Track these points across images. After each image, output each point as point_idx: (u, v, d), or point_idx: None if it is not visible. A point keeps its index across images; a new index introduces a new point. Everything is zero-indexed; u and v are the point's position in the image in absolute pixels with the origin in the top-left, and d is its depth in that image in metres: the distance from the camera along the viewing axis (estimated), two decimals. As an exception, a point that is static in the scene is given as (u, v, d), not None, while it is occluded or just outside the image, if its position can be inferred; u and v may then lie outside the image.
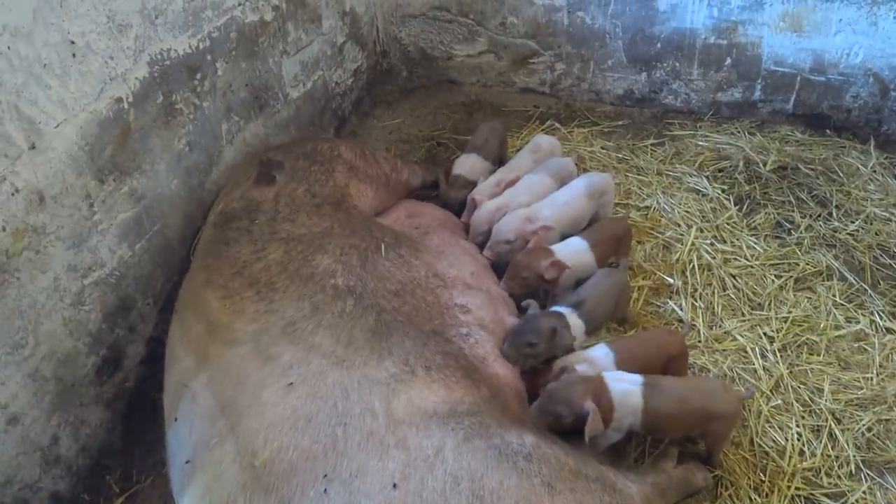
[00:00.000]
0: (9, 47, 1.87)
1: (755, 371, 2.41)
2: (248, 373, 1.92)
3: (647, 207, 3.10)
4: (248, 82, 2.90)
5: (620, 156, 3.40)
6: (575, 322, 2.33)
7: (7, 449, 2.07)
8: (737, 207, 3.05)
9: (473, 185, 3.05)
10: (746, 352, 2.46)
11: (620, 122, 3.67)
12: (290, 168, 2.67)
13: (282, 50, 3.10)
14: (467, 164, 3.14)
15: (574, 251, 2.55)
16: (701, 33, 3.40)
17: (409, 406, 1.80)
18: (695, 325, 2.55)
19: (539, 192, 2.86)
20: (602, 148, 3.45)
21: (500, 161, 3.23)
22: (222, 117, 2.78)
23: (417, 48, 4.03)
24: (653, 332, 2.46)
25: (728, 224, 2.96)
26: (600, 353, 2.21)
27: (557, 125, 3.64)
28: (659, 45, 3.51)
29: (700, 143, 3.43)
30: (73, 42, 2.06)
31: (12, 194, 1.96)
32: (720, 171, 3.27)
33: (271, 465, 1.69)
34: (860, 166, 3.24)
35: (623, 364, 2.16)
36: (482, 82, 4.02)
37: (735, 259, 2.80)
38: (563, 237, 2.69)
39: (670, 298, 2.69)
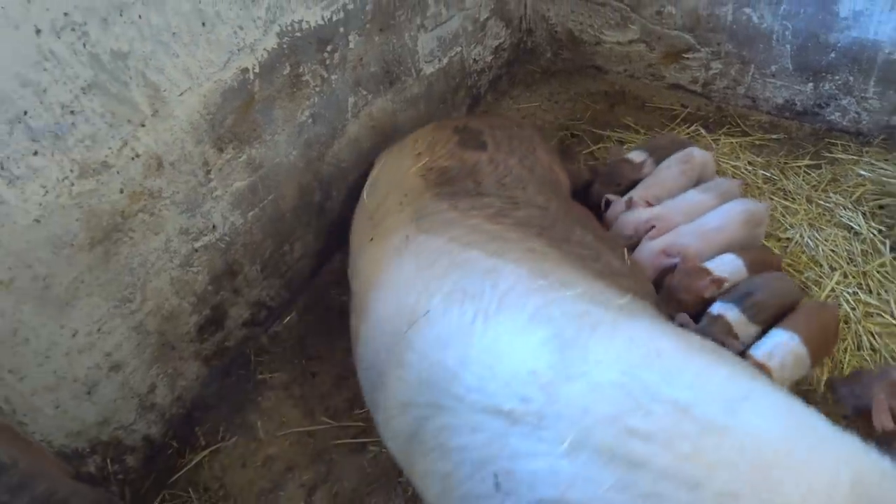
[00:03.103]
0: (140, 16, 1.90)
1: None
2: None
3: (788, 239, 2.79)
4: (380, 56, 2.84)
5: (768, 174, 3.08)
6: (736, 318, 2.18)
7: (108, 392, 2.21)
8: (893, 255, 2.68)
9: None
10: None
11: (775, 136, 3.32)
12: (491, 138, 2.57)
13: (419, 24, 3.01)
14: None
15: (729, 264, 2.37)
16: (885, 47, 2.99)
17: None
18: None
19: (697, 214, 2.63)
20: (749, 163, 3.14)
21: None
22: (349, 91, 2.74)
23: (565, 29, 3.82)
24: None
25: (879, 272, 2.61)
26: None
27: (703, 131, 3.35)
28: (833, 54, 3.12)
29: (863, 171, 3.04)
30: (202, 11, 2.07)
31: (132, 159, 2.02)
32: (881, 207, 2.88)
33: None
34: None
35: None
36: (629, 72, 3.78)
37: (879, 315, 2.47)
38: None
39: (794, 348, 2.43)
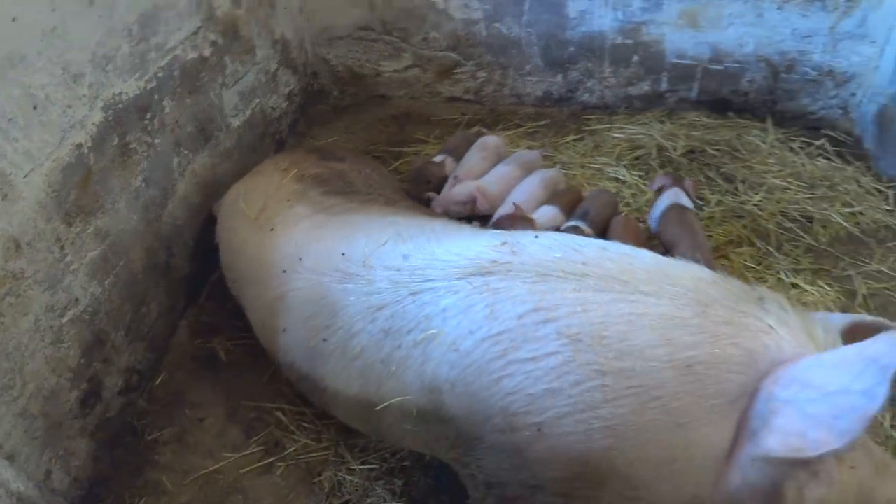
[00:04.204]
0: (-24, 106, 1.99)
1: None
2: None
3: (574, 198, 3.36)
4: (193, 116, 3.03)
5: (545, 153, 3.66)
6: (586, 229, 2.77)
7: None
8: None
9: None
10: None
11: (542, 122, 3.92)
12: (344, 153, 2.96)
13: (221, 83, 3.24)
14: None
15: (547, 213, 2.92)
16: (609, 35, 3.70)
17: None
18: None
19: (508, 183, 3.17)
20: (528, 147, 3.70)
21: None
22: (172, 152, 2.90)
23: (346, 67, 4.21)
24: None
25: (647, 206, 3.23)
26: None
27: (484, 130, 3.87)
28: (572, 48, 3.79)
29: (616, 134, 3.72)
30: (33, 95, 2.16)
31: (-9, 245, 2.07)
32: (636, 158, 3.56)
33: None
34: (760, 143, 3.59)
35: None
36: (410, 95, 4.23)
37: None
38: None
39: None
